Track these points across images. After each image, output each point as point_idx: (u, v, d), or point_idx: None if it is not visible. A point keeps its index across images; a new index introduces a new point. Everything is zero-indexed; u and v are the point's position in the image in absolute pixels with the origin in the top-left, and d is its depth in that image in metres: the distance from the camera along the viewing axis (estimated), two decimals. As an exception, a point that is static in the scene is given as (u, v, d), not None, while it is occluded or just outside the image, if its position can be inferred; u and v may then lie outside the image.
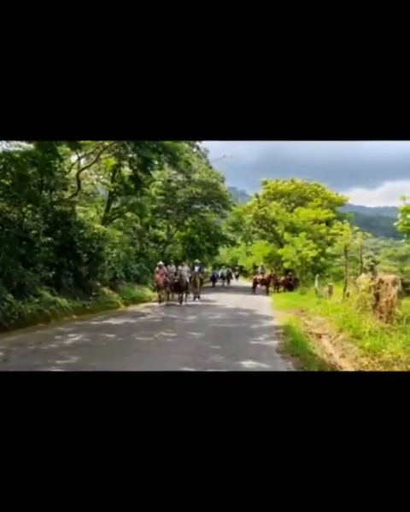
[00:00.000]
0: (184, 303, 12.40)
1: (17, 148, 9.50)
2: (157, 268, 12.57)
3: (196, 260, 16.56)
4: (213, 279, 24.28)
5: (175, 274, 12.60)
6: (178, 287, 12.46)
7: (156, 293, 12.95)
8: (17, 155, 9.04)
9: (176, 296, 13.00)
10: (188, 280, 12.80)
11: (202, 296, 14.81)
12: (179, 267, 13.37)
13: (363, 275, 8.82)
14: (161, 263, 12.87)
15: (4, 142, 8.96)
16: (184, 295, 12.76)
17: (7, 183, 8.61)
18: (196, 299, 14.07)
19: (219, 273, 24.97)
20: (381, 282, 6.82)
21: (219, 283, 23.99)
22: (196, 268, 14.70)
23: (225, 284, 24.24)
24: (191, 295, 13.97)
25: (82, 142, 10.00)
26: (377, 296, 6.80)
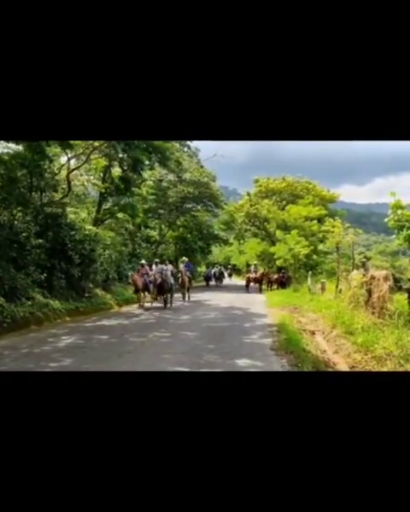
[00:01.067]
0: (169, 305, 11.16)
1: (6, 150, 9.41)
2: (139, 267, 11.68)
3: (183, 258, 15.07)
4: (207, 278, 23.72)
5: (161, 274, 11.24)
6: (162, 288, 11.06)
7: (142, 296, 11.50)
8: (6, 157, 8.94)
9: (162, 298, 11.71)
10: (172, 280, 11.52)
11: (194, 295, 14.50)
12: (163, 266, 11.74)
13: (355, 271, 8.90)
14: (143, 262, 11.99)
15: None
16: (169, 297, 11.41)
17: (-4, 185, 8.51)
18: (185, 300, 13.08)
19: (213, 272, 24.26)
20: (373, 277, 6.89)
21: (212, 283, 23.64)
22: (181, 267, 13.41)
23: (218, 284, 23.69)
24: (178, 295, 13.13)
25: (72, 142, 9.91)
26: (370, 292, 6.87)
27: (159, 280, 11.02)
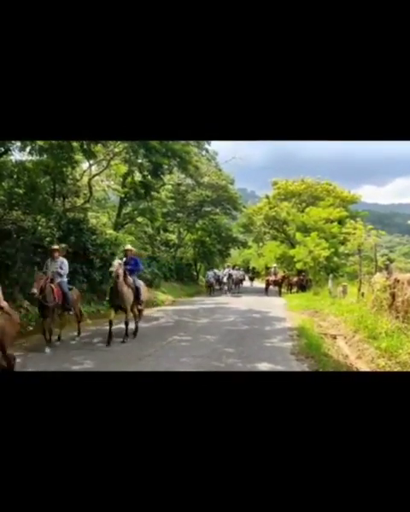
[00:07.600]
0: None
1: (29, 158, 9.70)
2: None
3: (127, 246, 7.62)
4: (211, 285, 18.06)
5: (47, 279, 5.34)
6: (44, 311, 5.51)
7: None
8: (29, 165, 9.22)
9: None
10: (70, 294, 6.04)
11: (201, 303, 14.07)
12: (48, 262, 5.94)
13: (378, 274, 8.68)
14: None
15: (17, 151, 9.16)
16: (49, 333, 5.69)
17: (20, 192, 8.79)
18: (127, 335, 6.61)
19: (223, 274, 18.91)
20: (397, 281, 6.69)
21: (218, 287, 18.60)
22: (116, 264, 6.15)
23: (228, 289, 18.23)
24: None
25: (93, 149, 10.12)
26: (393, 295, 6.68)
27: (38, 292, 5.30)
